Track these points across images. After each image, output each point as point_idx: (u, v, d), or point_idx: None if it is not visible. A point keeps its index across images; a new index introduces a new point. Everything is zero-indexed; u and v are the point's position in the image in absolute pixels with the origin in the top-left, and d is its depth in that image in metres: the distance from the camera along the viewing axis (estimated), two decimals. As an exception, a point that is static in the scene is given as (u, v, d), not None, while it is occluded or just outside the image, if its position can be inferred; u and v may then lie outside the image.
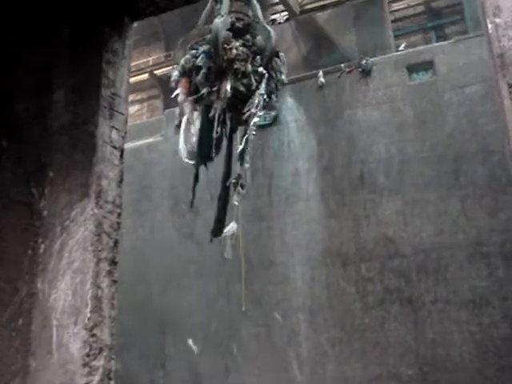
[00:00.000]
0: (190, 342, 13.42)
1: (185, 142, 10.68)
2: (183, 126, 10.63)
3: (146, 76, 23.30)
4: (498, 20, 2.34)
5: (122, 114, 4.15)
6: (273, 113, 13.99)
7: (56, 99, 3.96)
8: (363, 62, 13.47)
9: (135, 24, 4.72)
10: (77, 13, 4.12)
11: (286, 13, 17.34)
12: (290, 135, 13.78)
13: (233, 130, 10.80)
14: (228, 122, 10.35)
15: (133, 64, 22.07)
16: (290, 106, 14.03)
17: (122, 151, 4.05)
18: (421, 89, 12.90)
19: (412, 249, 11.96)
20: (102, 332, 3.42)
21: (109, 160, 3.85)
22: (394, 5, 18.84)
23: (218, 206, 11.10)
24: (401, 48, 15.99)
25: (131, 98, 22.56)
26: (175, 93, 10.68)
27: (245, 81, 9.94)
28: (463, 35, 14.15)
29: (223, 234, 10.96)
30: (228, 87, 9.79)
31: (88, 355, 3.29)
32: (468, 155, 11.86)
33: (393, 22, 18.32)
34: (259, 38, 10.24)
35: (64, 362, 3.29)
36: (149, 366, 14.05)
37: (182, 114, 10.94)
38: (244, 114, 10.42)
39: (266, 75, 10.36)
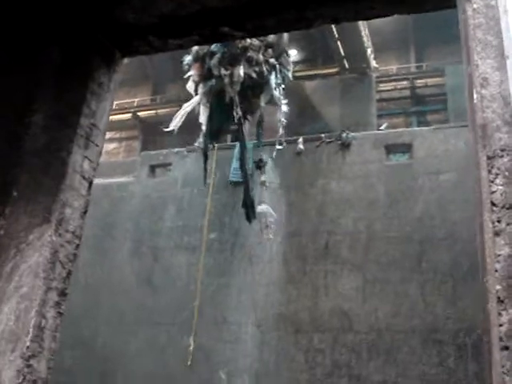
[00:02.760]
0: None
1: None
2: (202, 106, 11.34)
3: (128, 116, 23.35)
4: (484, 91, 2.38)
5: (98, 145, 4.10)
6: (248, 172, 14.09)
7: (34, 121, 3.90)
8: (343, 135, 13.66)
9: (126, 60, 4.72)
10: (68, 39, 4.10)
11: (274, 76, 17.60)
12: (262, 196, 13.78)
13: (243, 117, 11.38)
14: (238, 109, 10.91)
15: (117, 103, 22.14)
16: (265, 168, 14.08)
17: (90, 183, 3.99)
18: (396, 169, 13.08)
19: (366, 326, 11.88)
20: (39, 364, 3.28)
21: (76, 189, 3.78)
22: (381, 85, 19.33)
23: (244, 194, 12.02)
24: (382, 127, 16.32)
25: (110, 135, 22.55)
26: (188, 74, 11.24)
27: (257, 68, 10.65)
28: (444, 124, 14.52)
29: (257, 213, 11.49)
30: (241, 72, 10.37)
31: (20, 386, 3.15)
32: (434, 240, 11.95)
33: (378, 101, 18.75)
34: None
35: (-7, 389, 3.13)
36: (84, 410, 13.57)
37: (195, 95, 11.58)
38: (253, 102, 11.07)
39: (278, 66, 11.04)
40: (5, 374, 3.12)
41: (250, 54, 10.88)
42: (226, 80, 10.82)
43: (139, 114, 23.39)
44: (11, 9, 3.96)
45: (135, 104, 23.71)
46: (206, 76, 11.28)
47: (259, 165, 12.97)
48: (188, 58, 11.67)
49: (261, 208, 12.64)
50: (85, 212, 3.87)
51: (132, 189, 15.49)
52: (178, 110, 22.29)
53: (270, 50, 11.24)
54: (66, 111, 3.89)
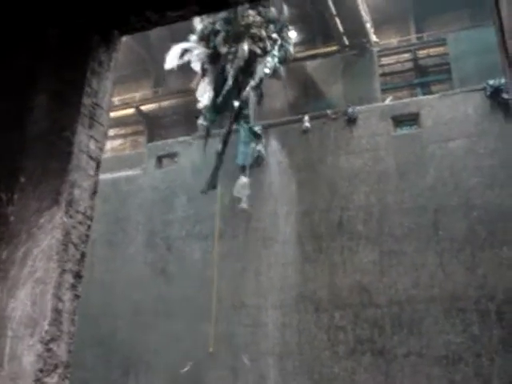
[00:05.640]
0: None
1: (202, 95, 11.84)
2: (201, 83, 11.41)
3: (131, 111, 23.24)
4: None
5: (102, 125, 4.02)
6: (255, 154, 13.99)
7: (37, 104, 3.84)
8: (349, 109, 13.52)
9: (124, 38, 4.65)
10: (66, 20, 4.04)
11: (276, 59, 17.48)
12: (272, 177, 13.69)
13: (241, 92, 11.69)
14: (230, 81, 11.22)
15: (119, 98, 22.06)
16: (273, 149, 13.98)
17: (98, 162, 3.90)
18: (405, 140, 12.93)
19: (387, 300, 11.78)
20: (58, 347, 3.20)
21: (84, 169, 3.70)
22: (383, 59, 19.12)
23: (216, 162, 12.18)
24: (387, 101, 16.12)
25: (115, 132, 22.50)
26: (194, 54, 11.56)
27: (261, 44, 10.95)
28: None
29: (237, 192, 11.67)
30: (246, 47, 10.64)
31: (41, 371, 3.07)
32: (448, 209, 11.82)
33: (381, 75, 18.56)
34: (273, 9, 11.28)
35: (15, 376, 3.06)
36: (108, 406, 13.56)
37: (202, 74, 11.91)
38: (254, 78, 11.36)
39: (279, 42, 11.32)
40: (25, 359, 3.05)
41: (254, 30, 11.09)
42: (230, 57, 11.04)
43: (142, 107, 23.24)
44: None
45: (137, 98, 23.60)
46: (211, 54, 11.52)
47: (256, 135, 13.25)
48: (193, 38, 11.84)
49: (241, 181, 12.74)
50: (94, 192, 3.79)
51: (140, 181, 15.42)
52: (180, 101, 22.35)
53: (271, 26, 11.43)
54: (68, 91, 3.81)
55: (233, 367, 12.61)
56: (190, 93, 22.07)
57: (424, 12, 20.33)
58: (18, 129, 3.72)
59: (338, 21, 17.75)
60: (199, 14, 4.64)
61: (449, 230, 11.69)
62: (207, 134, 12.56)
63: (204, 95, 11.93)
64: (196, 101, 19.33)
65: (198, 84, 12.16)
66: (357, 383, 11.47)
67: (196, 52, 11.81)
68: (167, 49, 20.32)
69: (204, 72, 11.87)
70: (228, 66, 11.24)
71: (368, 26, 17.96)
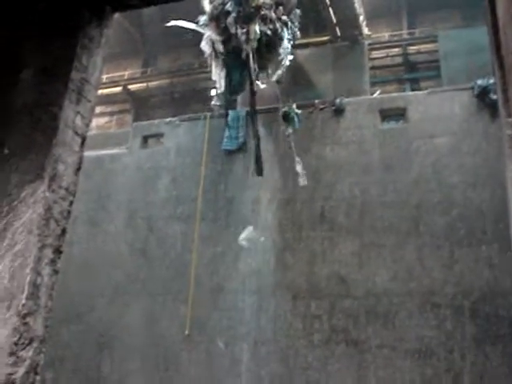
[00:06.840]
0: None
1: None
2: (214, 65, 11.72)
3: (119, 89, 23.10)
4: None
5: (90, 101, 3.99)
6: (241, 140, 13.99)
7: (23, 77, 3.80)
8: (337, 100, 13.50)
9: (116, 14, 4.62)
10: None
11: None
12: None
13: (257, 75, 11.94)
14: (255, 65, 11.39)
15: (108, 76, 21.90)
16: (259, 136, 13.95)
17: (84, 139, 3.88)
18: (391, 134, 12.95)
19: (364, 291, 11.85)
20: (35, 321, 3.20)
21: (69, 145, 3.68)
22: (373, 52, 19.17)
23: (255, 148, 12.46)
24: (375, 95, 16.16)
25: (101, 109, 22.35)
26: (205, 36, 11.67)
27: (271, 26, 11.07)
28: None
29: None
30: (257, 29, 10.76)
31: (16, 344, 3.06)
32: (430, 204, 11.88)
33: (371, 69, 18.62)
34: None
35: (-10, 348, 3.05)
36: (81, 383, 13.55)
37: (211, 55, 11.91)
38: (267, 59, 11.56)
39: (289, 23, 11.47)
40: (1, 332, 3.04)
41: (264, 12, 11.20)
42: (243, 38, 11.11)
43: (130, 87, 23.15)
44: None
45: (126, 77, 23.47)
46: (222, 35, 11.61)
47: (286, 117, 13.33)
48: (203, 18, 11.91)
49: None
50: (78, 168, 3.77)
51: (125, 160, 15.33)
52: (169, 82, 22.26)
53: (280, 8, 11.57)
54: (56, 65, 3.77)
55: (208, 350, 12.65)
56: (179, 74, 22.11)
57: (417, 8, 20.43)
58: (3, 102, 3.69)
59: (331, 11, 17.75)
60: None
61: (429, 226, 11.77)
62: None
63: (219, 77, 11.98)
64: (185, 82, 19.29)
65: (210, 66, 12.16)
66: (330, 372, 11.56)
67: (207, 34, 11.84)
68: (159, 29, 20.22)
69: (216, 54, 11.89)
70: (243, 48, 11.33)
71: (361, 18, 17.98)
